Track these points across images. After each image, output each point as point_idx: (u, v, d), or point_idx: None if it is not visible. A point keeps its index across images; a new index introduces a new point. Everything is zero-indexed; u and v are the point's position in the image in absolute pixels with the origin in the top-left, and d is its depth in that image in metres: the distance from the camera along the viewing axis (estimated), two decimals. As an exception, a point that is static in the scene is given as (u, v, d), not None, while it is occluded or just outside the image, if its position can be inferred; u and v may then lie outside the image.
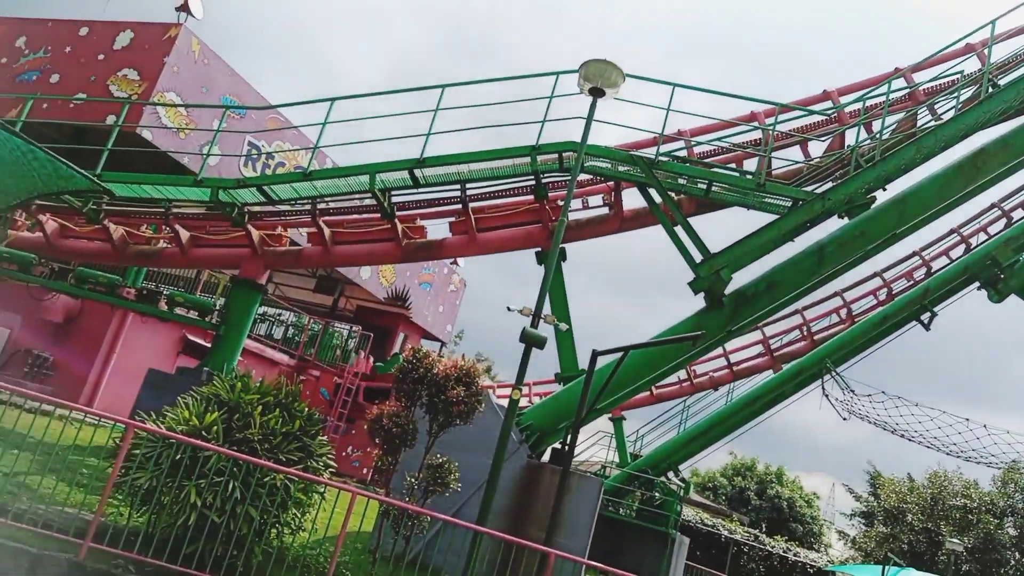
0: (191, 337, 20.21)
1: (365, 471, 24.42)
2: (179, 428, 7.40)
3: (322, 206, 13.34)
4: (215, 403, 7.95)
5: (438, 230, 13.99)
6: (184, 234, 13.91)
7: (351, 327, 28.27)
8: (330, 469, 8.36)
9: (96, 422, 11.96)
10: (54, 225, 14.67)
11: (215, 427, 7.43)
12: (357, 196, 12.98)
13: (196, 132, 19.53)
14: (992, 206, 17.72)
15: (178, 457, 7.14)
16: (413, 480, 8.30)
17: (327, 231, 13.52)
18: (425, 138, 12.25)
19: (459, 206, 13.47)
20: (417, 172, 12.34)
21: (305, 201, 13.08)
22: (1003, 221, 17.43)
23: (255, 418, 7.71)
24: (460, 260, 32.06)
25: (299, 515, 7.64)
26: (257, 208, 13.44)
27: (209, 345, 19.90)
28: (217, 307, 13.93)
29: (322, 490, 7.80)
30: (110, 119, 18.88)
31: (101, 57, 20.53)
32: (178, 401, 7.90)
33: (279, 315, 30.03)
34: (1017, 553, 28.03)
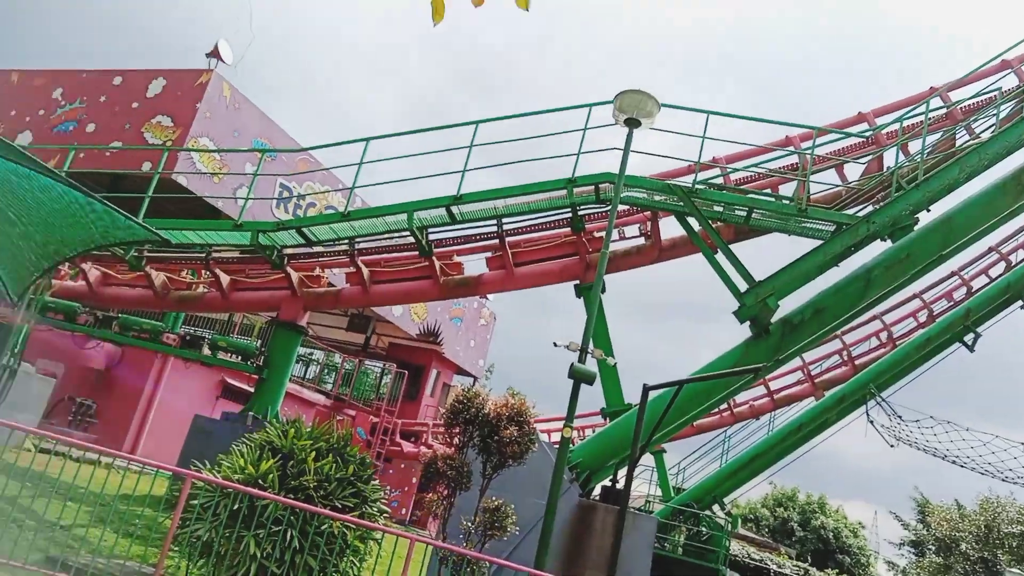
0: (230, 381, 20.30)
1: (404, 511, 24.22)
2: (236, 477, 7.34)
3: (360, 246, 13.39)
4: (268, 450, 7.90)
5: (475, 266, 13.99)
6: (224, 278, 14.01)
7: (384, 364, 28.27)
8: (384, 514, 8.25)
9: (140, 469, 11.96)
10: (97, 273, 14.87)
11: (271, 475, 7.35)
12: (394, 234, 13.00)
13: (229, 176, 19.84)
14: (1031, 223, 17.38)
15: (235, 507, 7.07)
16: (469, 524, 8.14)
17: (365, 271, 13.54)
18: (461, 175, 12.32)
19: (496, 241, 13.45)
20: (454, 209, 12.36)
21: (343, 241, 13.13)
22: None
23: (309, 465, 7.63)
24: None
25: (356, 563, 7.50)
26: (295, 250, 13.52)
27: (247, 388, 20.01)
28: (257, 350, 13.95)
29: (378, 536, 7.68)
30: (146, 166, 19.26)
31: (135, 105, 20.99)
32: (232, 449, 7.85)
33: (311, 354, 30.14)
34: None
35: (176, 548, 7.29)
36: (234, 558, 6.94)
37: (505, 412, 8.23)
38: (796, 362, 20.38)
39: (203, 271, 14.42)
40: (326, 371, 28.50)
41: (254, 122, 21.27)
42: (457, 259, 13.74)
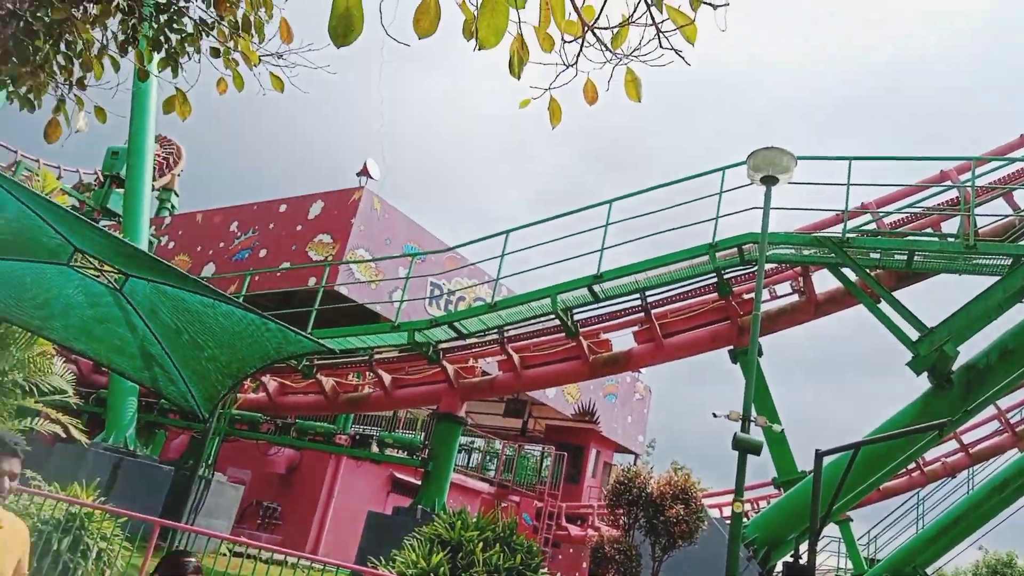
0: (398, 475, 21.05)
1: (578, 598, 23.64)
2: (409, 572, 7.58)
3: (509, 333, 13.77)
4: (438, 543, 8.12)
5: (623, 341, 13.95)
6: (386, 377, 14.79)
7: (543, 447, 28.28)
8: (555, 602, 8.17)
9: (322, 568, 12.57)
10: (275, 384, 16.17)
11: (442, 568, 7.54)
12: (540, 319, 13.29)
13: (384, 281, 21.18)
14: None
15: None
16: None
17: (516, 357, 13.86)
18: (599, 253, 12.52)
19: (641, 314, 13.39)
20: (596, 287, 12.50)
21: (492, 331, 13.57)
22: None
23: (478, 556, 7.76)
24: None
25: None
26: (448, 344, 14.10)
27: (415, 481, 20.66)
28: (421, 443, 14.50)
29: None
30: (311, 281, 20.98)
31: (299, 228, 23.08)
32: (404, 544, 8.14)
33: (472, 443, 30.72)
34: None
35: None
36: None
37: (669, 490, 8.03)
38: (991, 410, 18.39)
39: (367, 372, 15.31)
40: (488, 458, 28.89)
41: (403, 229, 22.80)
42: (604, 336, 13.78)
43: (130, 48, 3.98)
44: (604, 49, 2.78)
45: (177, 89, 4.05)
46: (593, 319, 13.66)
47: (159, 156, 36.55)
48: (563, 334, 13.46)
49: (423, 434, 21.04)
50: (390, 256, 20.22)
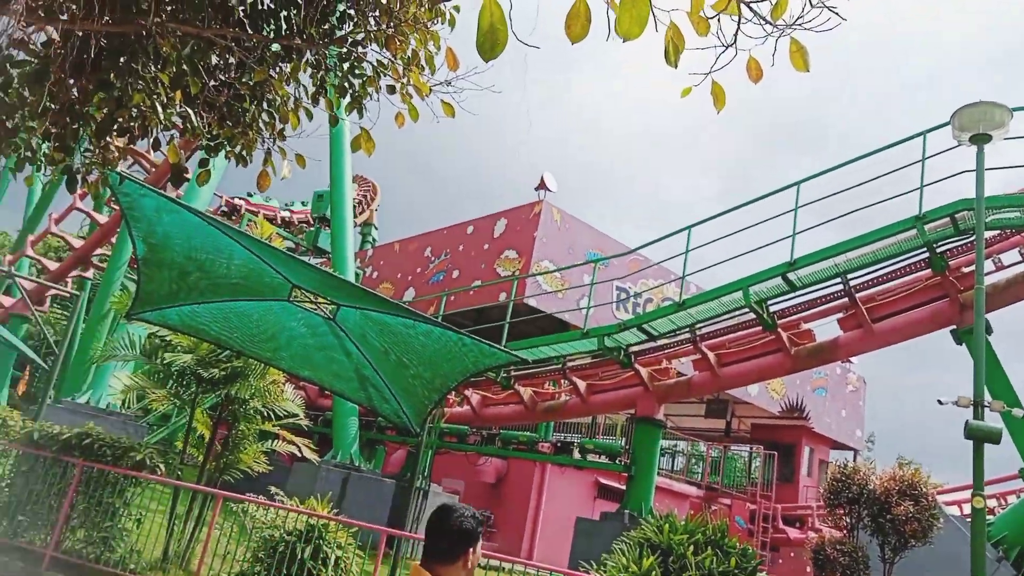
0: (603, 481, 21.13)
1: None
2: (621, 576, 7.60)
3: (701, 331, 13.41)
4: (647, 547, 8.05)
5: (827, 330, 13.07)
6: (581, 384, 14.95)
7: (751, 447, 27.11)
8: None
9: (536, 573, 12.89)
10: (477, 397, 16.90)
11: (653, 572, 7.46)
12: (733, 314, 12.82)
13: (571, 290, 21.47)
14: None
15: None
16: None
17: (711, 355, 13.45)
18: (791, 239, 11.86)
19: (844, 300, 12.48)
20: (790, 275, 11.84)
21: (683, 330, 13.28)
22: None
23: (690, 559, 7.60)
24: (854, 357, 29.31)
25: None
26: (640, 347, 13.99)
27: (619, 486, 20.64)
28: (622, 448, 14.48)
29: None
30: (501, 296, 21.75)
31: (486, 247, 24.04)
32: (613, 548, 8.15)
33: (675, 446, 30.12)
34: None
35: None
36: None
37: (894, 486, 7.40)
38: None
39: (562, 380, 15.57)
40: (693, 461, 28.17)
41: (584, 236, 23.03)
42: (805, 327, 12.99)
43: (320, 98, 4.41)
44: (763, 23, 2.68)
45: (361, 128, 4.42)
46: (791, 309, 12.94)
47: (357, 195, 39.97)
48: (760, 327, 12.86)
49: (623, 439, 21.02)
50: (574, 264, 20.45)
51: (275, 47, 4.00)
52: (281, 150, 4.51)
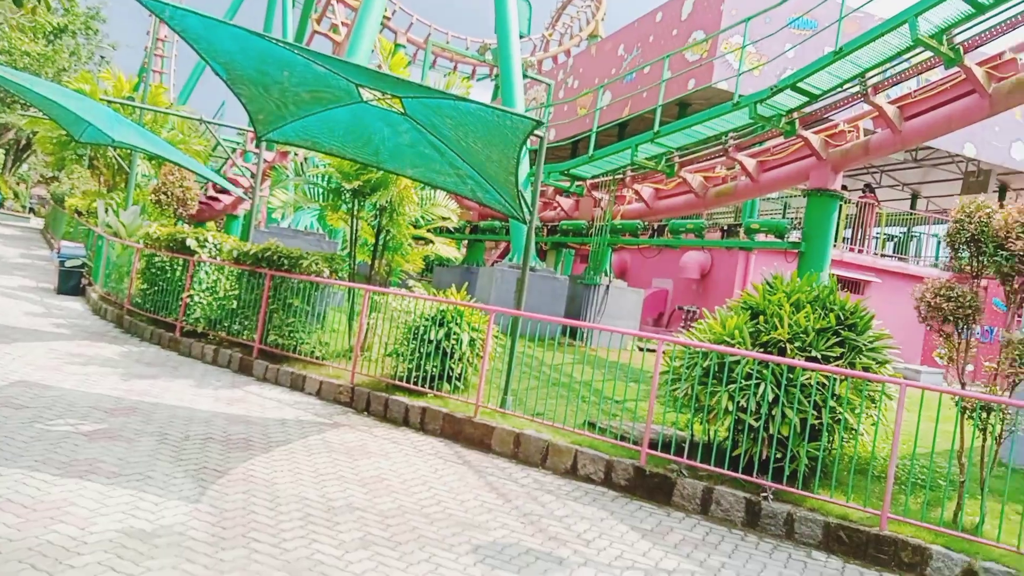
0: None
1: None
2: (703, 337, 7.51)
3: (872, 81, 11.58)
4: (743, 309, 7.79)
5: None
6: (750, 163, 13.92)
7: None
8: (888, 364, 7.22)
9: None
10: (649, 190, 16.54)
11: (739, 331, 7.25)
12: (908, 56, 10.84)
13: (769, 65, 19.36)
14: None
15: (706, 364, 7.25)
16: (993, 365, 6.46)
17: (890, 109, 11.65)
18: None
19: (1062, 14, 9.89)
20: (977, -7, 9.60)
21: (851, 84, 11.59)
22: None
23: (782, 317, 7.24)
24: None
25: (847, 416, 6.74)
26: (801, 112, 12.52)
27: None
28: (788, 226, 13.52)
29: (883, 388, 6.81)
30: (690, 84, 20.38)
31: (674, 33, 22.34)
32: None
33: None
34: None
35: (663, 406, 7.85)
36: (710, 413, 7.14)
37: (1018, 221, 6.23)
38: None
39: (731, 162, 14.59)
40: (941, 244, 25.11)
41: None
42: (1009, 56, 10.62)
43: None
44: None
45: None
46: (984, 36, 10.55)
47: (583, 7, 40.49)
48: (942, 66, 10.77)
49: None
50: (766, 36, 18.29)
51: None
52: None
